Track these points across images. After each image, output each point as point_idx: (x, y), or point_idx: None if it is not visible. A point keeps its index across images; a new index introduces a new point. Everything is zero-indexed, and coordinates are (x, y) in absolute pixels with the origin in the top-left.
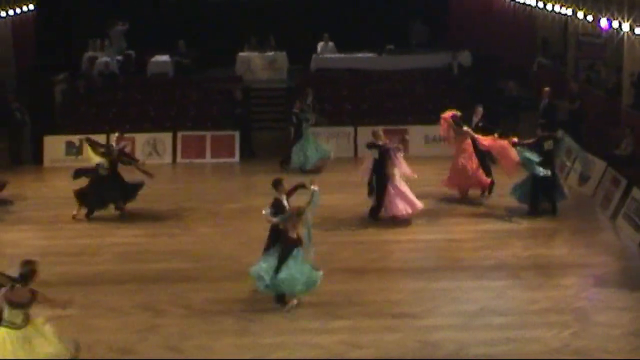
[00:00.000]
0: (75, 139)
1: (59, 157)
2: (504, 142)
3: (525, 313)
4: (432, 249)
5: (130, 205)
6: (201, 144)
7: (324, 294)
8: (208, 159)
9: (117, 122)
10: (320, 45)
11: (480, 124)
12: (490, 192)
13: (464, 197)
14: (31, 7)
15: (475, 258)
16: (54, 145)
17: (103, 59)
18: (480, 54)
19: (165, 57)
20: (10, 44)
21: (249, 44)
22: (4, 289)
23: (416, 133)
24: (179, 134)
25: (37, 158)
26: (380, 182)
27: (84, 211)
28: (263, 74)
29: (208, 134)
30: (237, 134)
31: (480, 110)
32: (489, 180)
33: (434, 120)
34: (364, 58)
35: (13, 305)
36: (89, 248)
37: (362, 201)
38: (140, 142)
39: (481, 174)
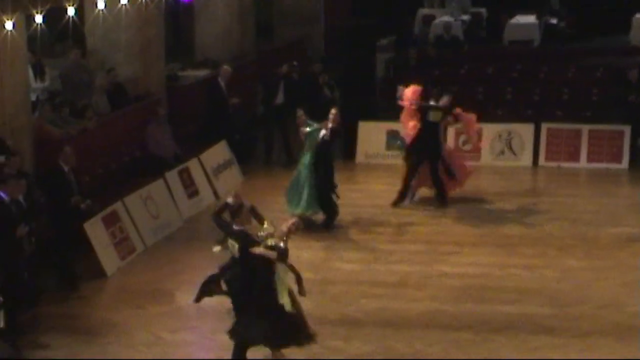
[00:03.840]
0: (400, 127)
1: (377, 150)
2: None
3: None
4: None
5: (469, 223)
6: (575, 141)
7: None
8: (583, 164)
9: (459, 106)
10: None
11: None
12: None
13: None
14: None
15: None
16: (372, 135)
17: (443, 18)
18: None
19: (530, 19)
20: None
21: None
22: None
23: None
24: (544, 127)
25: (347, 150)
26: None
27: None
28: None
29: (585, 129)
30: (627, 130)
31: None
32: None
33: None
34: None
35: None
36: (412, 277)
37: None
38: (489, 136)
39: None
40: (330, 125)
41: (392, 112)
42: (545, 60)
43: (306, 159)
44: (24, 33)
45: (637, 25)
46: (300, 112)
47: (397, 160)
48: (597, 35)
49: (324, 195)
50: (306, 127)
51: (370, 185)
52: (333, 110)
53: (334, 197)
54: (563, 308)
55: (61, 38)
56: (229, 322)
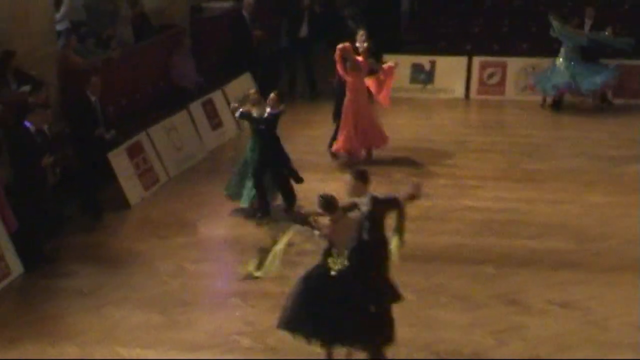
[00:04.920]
0: (425, 60)
1: (401, 84)
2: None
3: None
4: None
5: (493, 157)
6: None
7: None
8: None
9: (483, 40)
10: None
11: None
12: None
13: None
14: None
15: None
16: (398, 68)
17: None
18: None
19: None
20: None
21: None
22: None
23: None
24: None
25: None
26: None
27: None
28: None
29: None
30: None
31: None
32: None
33: None
34: None
35: None
36: (434, 211)
37: None
38: (513, 70)
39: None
40: (268, 111)
41: (417, 45)
42: None
43: (251, 144)
44: None
45: None
46: (252, 90)
47: (420, 94)
48: None
49: (281, 182)
50: (252, 106)
51: (392, 119)
52: (272, 95)
53: (291, 181)
54: (586, 243)
55: None
56: (251, 254)
